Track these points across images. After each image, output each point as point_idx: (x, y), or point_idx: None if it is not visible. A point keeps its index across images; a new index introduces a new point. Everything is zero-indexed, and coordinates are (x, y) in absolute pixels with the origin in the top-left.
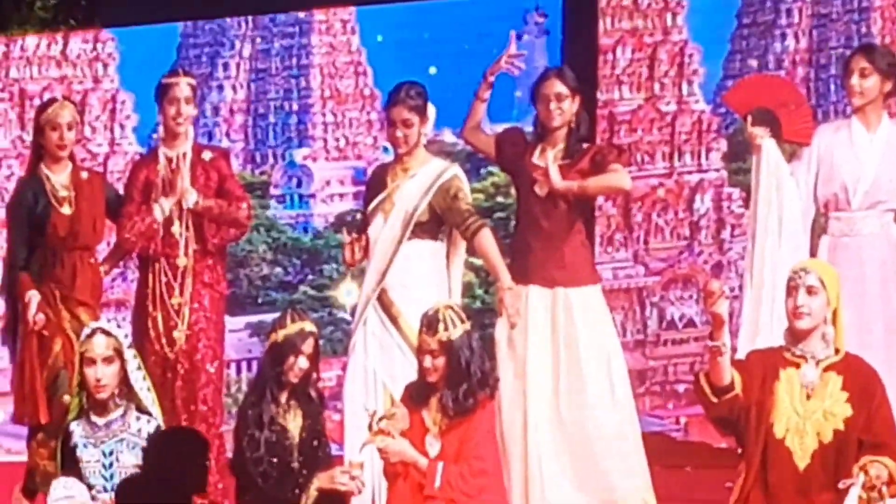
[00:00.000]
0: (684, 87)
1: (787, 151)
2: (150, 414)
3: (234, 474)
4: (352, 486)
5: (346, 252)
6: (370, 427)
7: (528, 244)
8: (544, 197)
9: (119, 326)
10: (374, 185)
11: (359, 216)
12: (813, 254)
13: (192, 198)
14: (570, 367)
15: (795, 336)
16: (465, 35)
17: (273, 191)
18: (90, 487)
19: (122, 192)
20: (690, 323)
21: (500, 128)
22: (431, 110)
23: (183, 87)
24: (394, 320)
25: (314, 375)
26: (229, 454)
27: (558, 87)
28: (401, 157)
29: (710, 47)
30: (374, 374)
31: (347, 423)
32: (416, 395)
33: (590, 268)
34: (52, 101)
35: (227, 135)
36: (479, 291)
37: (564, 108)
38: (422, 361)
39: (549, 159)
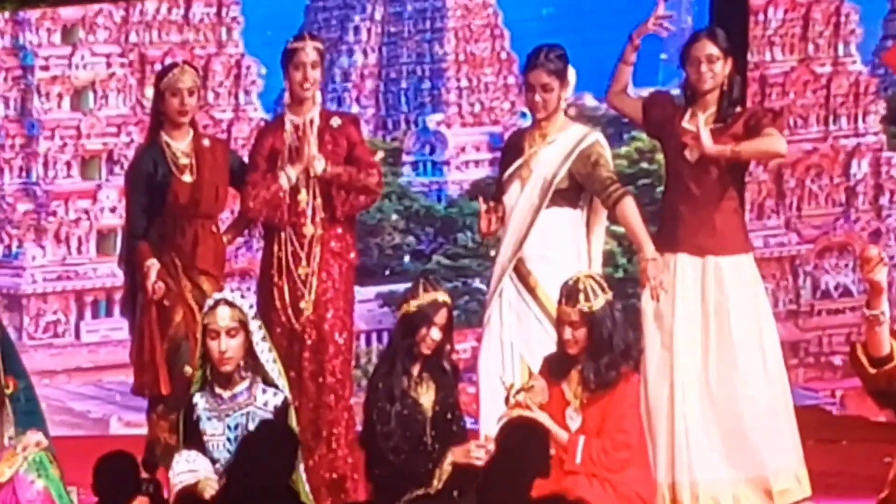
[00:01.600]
0: (840, 47)
1: None
2: (276, 386)
3: (364, 448)
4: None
5: (482, 221)
6: (507, 400)
7: (677, 211)
8: (694, 162)
9: (243, 297)
10: (510, 151)
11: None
12: None
13: (319, 165)
14: (719, 339)
15: None
16: None
17: (405, 158)
18: (214, 461)
19: (246, 159)
20: (846, 292)
21: (643, 92)
22: (572, 74)
23: (309, 51)
24: (531, 291)
25: (448, 347)
26: (358, 428)
27: (710, 48)
28: (539, 122)
29: (869, 6)
30: (511, 346)
31: (483, 397)
32: (556, 368)
33: (742, 236)
34: (173, 66)
35: (358, 100)
36: (622, 260)
37: (716, 70)
38: (561, 333)
39: (699, 123)
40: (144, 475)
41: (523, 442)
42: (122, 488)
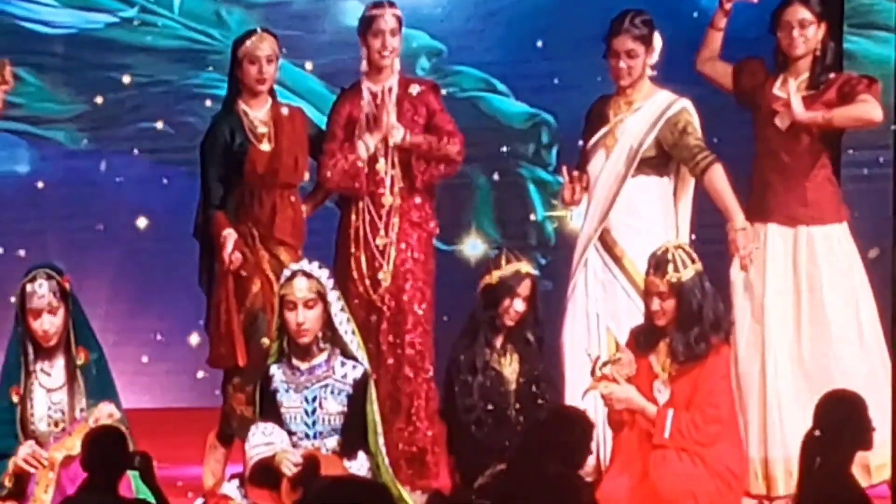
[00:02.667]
0: None
1: None
2: (355, 359)
3: (445, 422)
4: None
5: (566, 191)
6: (593, 373)
7: (768, 180)
8: (786, 130)
9: (321, 267)
10: (594, 119)
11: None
12: None
13: (398, 134)
14: (812, 311)
15: None
16: None
17: None
18: (291, 434)
19: (324, 128)
20: None
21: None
22: (657, 39)
23: (388, 18)
24: (617, 261)
25: (532, 318)
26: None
27: (802, 12)
28: (624, 89)
29: None
30: (597, 317)
31: (568, 369)
32: (643, 340)
33: (835, 205)
34: (251, 32)
35: None
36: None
37: (809, 35)
38: (649, 304)
39: (791, 90)
40: (133, 449)
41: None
42: (111, 463)
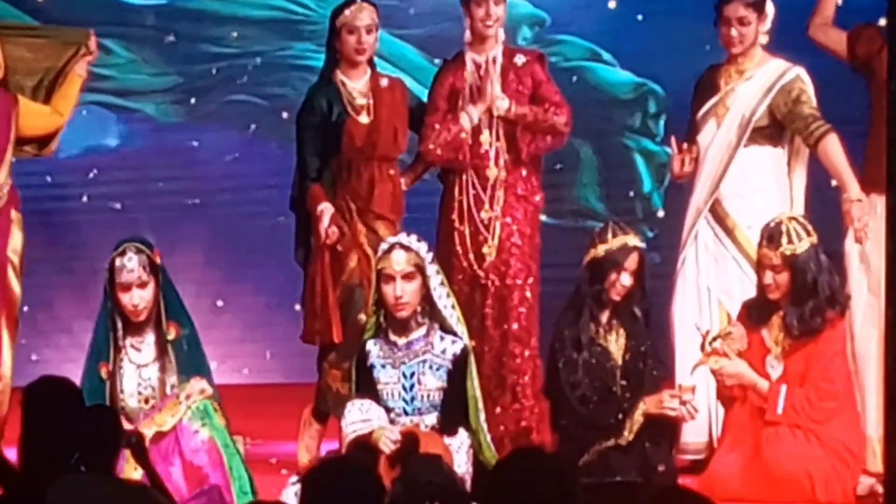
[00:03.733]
0: None
1: None
2: (455, 334)
3: (549, 398)
4: (682, 412)
5: (675, 162)
6: (703, 347)
7: (884, 150)
8: None
9: (420, 240)
10: (704, 88)
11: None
12: None
13: (503, 105)
14: None
15: None
16: None
17: None
18: (388, 410)
19: (425, 100)
20: None
21: None
22: (770, 7)
23: None
24: (729, 233)
25: (639, 292)
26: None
27: None
28: (735, 57)
29: None
30: (708, 291)
31: (678, 344)
32: (756, 313)
33: None
34: (350, 2)
35: None
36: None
37: None
38: (762, 277)
39: None
40: (127, 427)
41: None
42: (103, 443)
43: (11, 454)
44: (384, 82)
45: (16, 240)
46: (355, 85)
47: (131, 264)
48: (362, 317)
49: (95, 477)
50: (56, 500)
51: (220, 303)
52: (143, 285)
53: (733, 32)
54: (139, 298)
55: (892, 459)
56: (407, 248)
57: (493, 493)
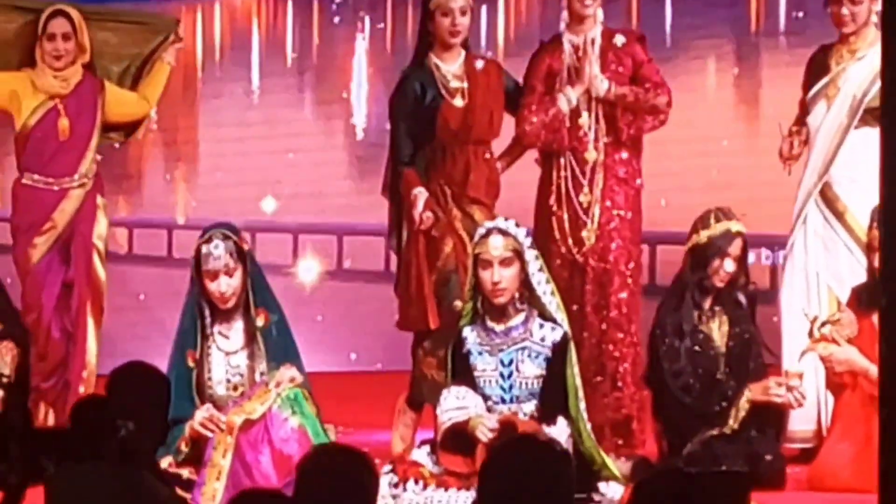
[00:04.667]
0: None
1: None
2: (554, 321)
3: (650, 387)
4: (789, 399)
5: (784, 144)
6: (811, 334)
7: None
8: None
9: (518, 225)
10: (814, 69)
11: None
12: None
13: (602, 86)
14: None
15: None
16: None
17: None
18: (485, 398)
19: (521, 82)
20: None
21: None
22: None
23: None
24: (839, 216)
25: (743, 279)
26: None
27: None
28: (846, 37)
29: None
30: (817, 275)
31: (784, 330)
32: (867, 299)
33: None
34: None
35: None
36: None
37: None
38: (873, 261)
39: None
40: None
41: None
42: (97, 433)
43: None
44: (479, 64)
45: (101, 226)
46: (449, 68)
47: (218, 251)
48: (458, 303)
49: (95, 465)
50: (56, 488)
51: (307, 289)
52: (230, 272)
53: (844, 11)
54: (226, 286)
55: (890, 459)
56: (505, 233)
57: (488, 481)
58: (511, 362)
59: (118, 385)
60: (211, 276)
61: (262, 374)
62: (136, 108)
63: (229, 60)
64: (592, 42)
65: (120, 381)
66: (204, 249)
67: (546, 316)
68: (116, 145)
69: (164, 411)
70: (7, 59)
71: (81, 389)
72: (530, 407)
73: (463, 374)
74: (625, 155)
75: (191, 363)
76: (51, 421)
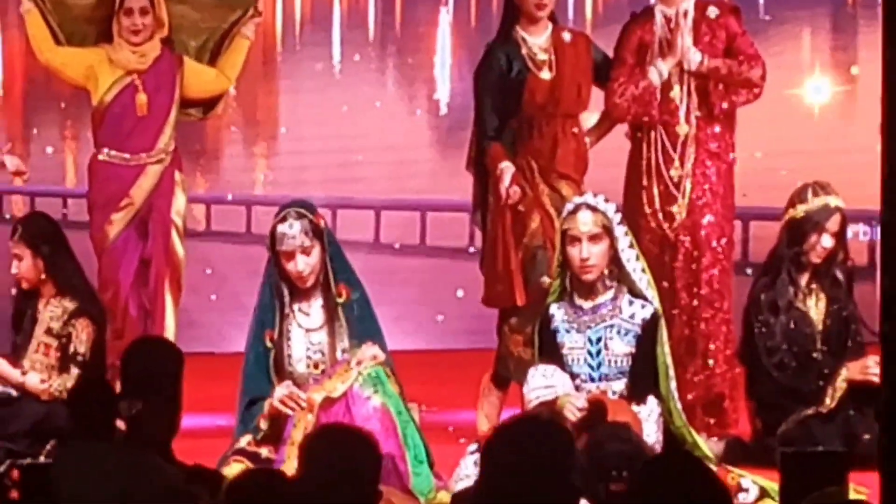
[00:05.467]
0: None
1: None
2: (645, 298)
3: (743, 364)
4: None
5: None
6: None
7: None
8: None
9: (607, 200)
10: None
11: None
12: None
13: (695, 59)
14: None
15: None
16: None
17: None
18: (573, 376)
19: (611, 54)
20: None
21: None
22: None
23: None
24: None
25: (841, 255)
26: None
27: None
28: None
29: None
30: None
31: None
32: None
33: None
34: None
35: None
36: None
37: None
38: None
39: None
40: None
41: None
42: (98, 415)
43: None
44: (567, 36)
45: (179, 202)
46: (536, 40)
47: (293, 231)
48: (545, 279)
49: (99, 445)
50: (60, 468)
51: (392, 265)
52: (306, 251)
53: None
54: (304, 265)
55: (889, 458)
56: (594, 209)
57: (490, 461)
58: (599, 340)
59: (131, 360)
60: (287, 256)
61: (343, 351)
62: (214, 83)
63: (309, 35)
64: (685, 14)
65: (133, 356)
66: (279, 229)
67: (636, 293)
68: (195, 121)
69: (177, 385)
70: (84, 34)
71: None
72: (620, 385)
73: (550, 351)
74: (717, 129)
75: (269, 343)
76: None
